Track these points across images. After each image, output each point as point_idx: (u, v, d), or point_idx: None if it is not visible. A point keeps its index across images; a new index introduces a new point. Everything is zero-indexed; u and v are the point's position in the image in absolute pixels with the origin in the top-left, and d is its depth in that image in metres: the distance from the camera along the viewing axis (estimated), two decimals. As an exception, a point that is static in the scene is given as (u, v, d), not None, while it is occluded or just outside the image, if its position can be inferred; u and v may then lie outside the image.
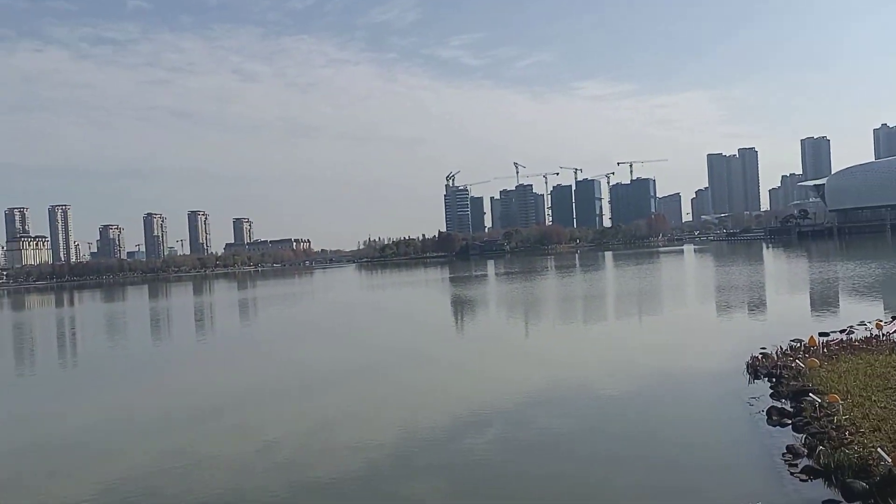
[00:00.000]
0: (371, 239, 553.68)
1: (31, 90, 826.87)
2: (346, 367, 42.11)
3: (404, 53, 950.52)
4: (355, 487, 20.36)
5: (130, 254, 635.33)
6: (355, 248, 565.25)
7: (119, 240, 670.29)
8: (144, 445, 26.34)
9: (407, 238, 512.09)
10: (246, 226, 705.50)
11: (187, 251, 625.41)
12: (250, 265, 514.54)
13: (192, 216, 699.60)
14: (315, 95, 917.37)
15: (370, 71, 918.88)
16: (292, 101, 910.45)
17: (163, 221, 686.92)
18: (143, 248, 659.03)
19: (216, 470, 22.78)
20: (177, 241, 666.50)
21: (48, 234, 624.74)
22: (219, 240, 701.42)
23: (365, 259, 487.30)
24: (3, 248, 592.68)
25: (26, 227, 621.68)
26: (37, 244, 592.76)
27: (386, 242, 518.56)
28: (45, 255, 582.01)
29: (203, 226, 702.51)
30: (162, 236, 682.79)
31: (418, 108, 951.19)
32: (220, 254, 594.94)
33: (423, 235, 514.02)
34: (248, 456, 24.04)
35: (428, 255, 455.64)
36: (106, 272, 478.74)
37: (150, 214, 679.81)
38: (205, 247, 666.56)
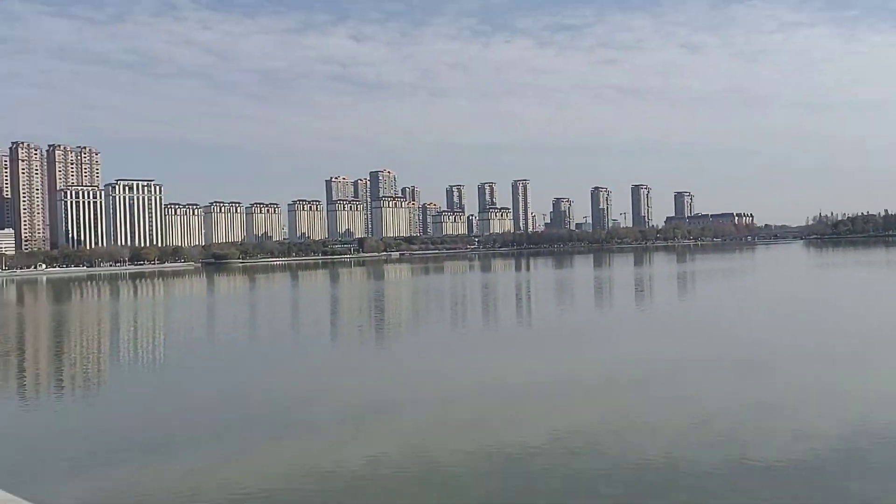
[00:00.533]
0: (822, 214, 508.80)
1: (500, 78, 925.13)
2: (789, 348, 39.61)
3: (869, 8, 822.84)
4: (796, 476, 19.36)
5: (578, 225, 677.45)
6: (803, 224, 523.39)
7: (569, 211, 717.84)
8: (588, 404, 28.72)
9: (865, 214, 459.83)
10: (686, 199, 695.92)
11: (629, 223, 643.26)
12: (690, 239, 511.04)
13: (635, 190, 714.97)
14: (764, 63, 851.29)
15: (827, 32, 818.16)
16: (739, 70, 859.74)
17: (608, 195, 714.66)
18: (589, 220, 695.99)
19: (651, 437, 23.60)
20: (620, 213, 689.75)
21: (510, 206, 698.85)
22: (659, 213, 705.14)
23: (814, 235, 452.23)
24: (476, 217, 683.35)
25: (494, 199, 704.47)
26: (501, 215, 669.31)
27: (840, 218, 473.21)
28: (508, 225, 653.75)
29: (645, 199, 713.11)
30: (607, 209, 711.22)
31: (884, 67, 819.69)
32: (660, 227, 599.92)
33: (886, 211, 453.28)
34: (683, 427, 24.50)
35: (891, 233, 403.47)
36: (557, 241, 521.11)
37: (596, 188, 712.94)
38: (646, 219, 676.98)
